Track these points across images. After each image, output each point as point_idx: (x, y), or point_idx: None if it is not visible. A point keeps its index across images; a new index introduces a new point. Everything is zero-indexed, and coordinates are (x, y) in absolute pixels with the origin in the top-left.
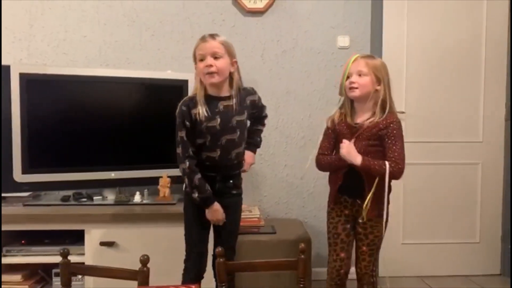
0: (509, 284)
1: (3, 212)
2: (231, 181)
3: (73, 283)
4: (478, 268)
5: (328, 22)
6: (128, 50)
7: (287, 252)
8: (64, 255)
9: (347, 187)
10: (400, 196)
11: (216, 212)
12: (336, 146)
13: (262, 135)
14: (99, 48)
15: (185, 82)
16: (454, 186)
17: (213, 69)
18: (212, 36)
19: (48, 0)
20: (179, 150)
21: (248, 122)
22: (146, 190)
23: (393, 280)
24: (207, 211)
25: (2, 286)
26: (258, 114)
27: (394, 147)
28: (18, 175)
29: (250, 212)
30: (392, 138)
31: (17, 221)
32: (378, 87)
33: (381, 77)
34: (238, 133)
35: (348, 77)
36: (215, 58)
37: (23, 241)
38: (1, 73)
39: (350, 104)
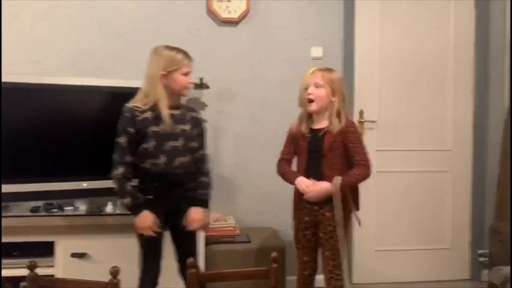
0: None
1: None
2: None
3: None
4: (449, 273)
5: (302, 33)
6: (101, 59)
7: (262, 261)
8: (32, 267)
9: (304, 199)
10: (373, 204)
11: (146, 218)
12: (295, 151)
13: (236, 145)
14: (72, 56)
15: None
16: (425, 194)
17: (191, 86)
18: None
19: (21, 8)
20: (115, 155)
21: (195, 143)
22: (118, 201)
23: (366, 287)
24: (136, 218)
25: None
26: (199, 149)
27: (359, 150)
28: None
29: (225, 221)
30: (355, 141)
31: None
32: (333, 99)
33: (336, 89)
34: (182, 141)
35: (305, 88)
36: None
37: None
38: None
39: (307, 113)
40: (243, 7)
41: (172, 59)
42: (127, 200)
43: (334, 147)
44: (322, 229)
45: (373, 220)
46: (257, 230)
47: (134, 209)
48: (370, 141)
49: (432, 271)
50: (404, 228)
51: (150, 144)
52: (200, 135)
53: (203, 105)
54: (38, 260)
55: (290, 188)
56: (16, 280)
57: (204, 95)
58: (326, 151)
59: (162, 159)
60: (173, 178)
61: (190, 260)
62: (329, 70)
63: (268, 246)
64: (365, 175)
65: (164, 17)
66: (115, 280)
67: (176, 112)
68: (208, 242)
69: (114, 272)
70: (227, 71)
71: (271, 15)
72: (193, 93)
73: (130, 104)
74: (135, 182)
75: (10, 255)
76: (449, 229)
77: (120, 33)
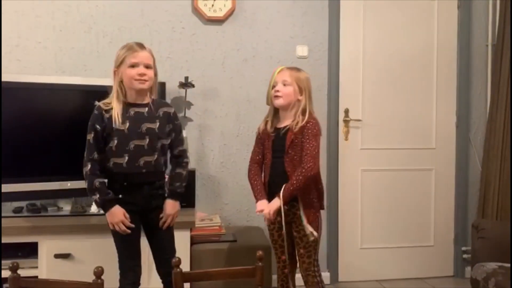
0: (462, 285)
1: None
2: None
3: None
4: (433, 270)
5: (287, 32)
6: (85, 57)
7: (248, 260)
8: (13, 269)
9: (272, 193)
10: (358, 202)
11: (116, 213)
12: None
13: (220, 145)
14: (54, 54)
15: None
16: (409, 192)
17: (145, 77)
18: (142, 46)
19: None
20: (85, 153)
21: (166, 140)
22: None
23: (352, 285)
24: (107, 214)
25: None
26: (173, 143)
27: (307, 146)
28: None
29: (211, 221)
30: (307, 137)
31: None
32: (300, 97)
33: (303, 87)
34: (147, 140)
35: (273, 86)
36: (147, 67)
37: None
38: None
39: (273, 113)
40: (228, 5)
41: (117, 55)
42: (96, 197)
43: (294, 144)
44: (294, 227)
45: (358, 218)
46: (243, 229)
47: (104, 205)
48: (355, 140)
49: (416, 268)
50: (388, 225)
51: (113, 143)
52: (174, 131)
53: (189, 104)
54: (21, 261)
55: None
56: None
57: (189, 94)
58: (288, 148)
59: (125, 159)
60: (138, 177)
61: (175, 259)
62: (297, 69)
63: (254, 245)
64: (306, 173)
65: (149, 15)
66: (99, 281)
67: (142, 109)
68: (194, 241)
69: (98, 273)
70: (212, 69)
71: (257, 14)
72: (178, 92)
73: (101, 102)
74: (104, 179)
75: None
76: (433, 227)
77: (104, 31)
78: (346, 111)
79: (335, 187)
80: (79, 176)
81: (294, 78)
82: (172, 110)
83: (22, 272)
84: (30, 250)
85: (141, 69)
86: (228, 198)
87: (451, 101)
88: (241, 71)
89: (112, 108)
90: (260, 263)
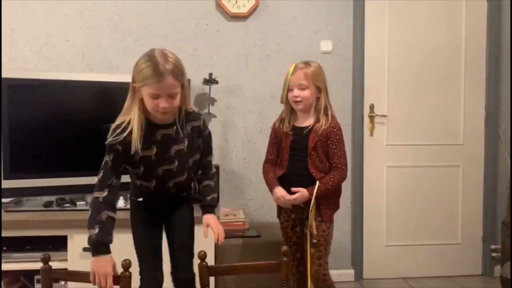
0: (490, 285)
1: None
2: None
3: None
4: (460, 269)
5: (311, 27)
6: (111, 54)
7: (272, 255)
8: (45, 261)
9: (289, 192)
10: (383, 199)
11: (105, 264)
12: (279, 150)
13: (242, 141)
14: (82, 52)
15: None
16: (436, 188)
17: (168, 109)
18: (165, 71)
19: (30, 4)
20: (99, 175)
21: (196, 155)
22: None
23: (376, 282)
24: (93, 259)
25: None
26: (203, 157)
27: (338, 152)
28: None
29: (234, 216)
30: (336, 143)
31: None
32: (319, 95)
33: (320, 85)
34: (177, 163)
35: (290, 89)
36: (170, 96)
37: (4, 248)
38: None
39: (289, 111)
40: (252, 1)
41: (139, 70)
42: (94, 232)
43: (318, 146)
44: (307, 228)
45: (383, 215)
46: (266, 224)
47: (97, 247)
48: (381, 136)
49: (443, 267)
50: (414, 223)
51: (139, 170)
52: (204, 144)
53: (212, 100)
54: (51, 254)
55: None
56: (30, 273)
57: (213, 90)
58: (311, 150)
59: (153, 183)
60: (167, 195)
61: (200, 252)
62: (308, 65)
63: (278, 241)
64: (341, 179)
65: (173, 12)
66: (127, 273)
67: (169, 131)
68: None
69: (126, 265)
70: (236, 66)
71: (280, 9)
72: (202, 88)
73: (115, 124)
74: (115, 213)
75: (23, 249)
76: (461, 224)
77: (130, 29)
78: (371, 107)
79: (360, 183)
80: None
81: (310, 79)
82: (201, 123)
83: (52, 265)
84: (60, 243)
85: (162, 103)
86: (252, 193)
87: (480, 96)
88: (264, 67)
89: (130, 131)
90: (285, 258)
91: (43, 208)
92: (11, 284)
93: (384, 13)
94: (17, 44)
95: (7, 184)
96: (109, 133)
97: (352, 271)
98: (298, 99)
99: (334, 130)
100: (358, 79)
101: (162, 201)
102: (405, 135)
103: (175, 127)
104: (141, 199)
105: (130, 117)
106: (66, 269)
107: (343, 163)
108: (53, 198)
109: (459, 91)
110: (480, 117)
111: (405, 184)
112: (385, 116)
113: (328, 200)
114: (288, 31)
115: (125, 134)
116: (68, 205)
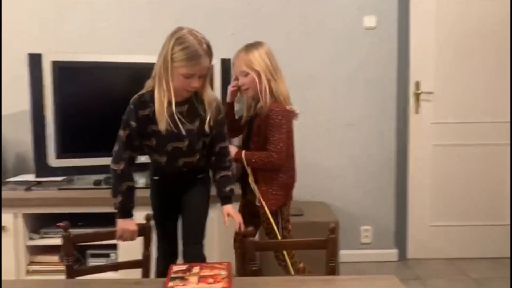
0: None
1: (40, 195)
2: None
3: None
4: (507, 250)
5: (354, 2)
6: (153, 37)
7: (315, 234)
8: (65, 228)
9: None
10: (428, 178)
11: (129, 224)
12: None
13: None
14: (125, 35)
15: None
16: (484, 168)
17: (196, 88)
18: (206, 51)
19: None
20: (116, 148)
21: (208, 137)
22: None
23: (420, 262)
24: (120, 220)
25: (43, 266)
26: (214, 139)
27: (271, 138)
28: (52, 160)
29: None
30: (271, 128)
31: (52, 204)
32: (259, 78)
33: (259, 69)
34: (187, 142)
35: (236, 78)
36: (200, 76)
37: (59, 224)
38: (32, 61)
39: (251, 99)
40: None
41: (175, 51)
42: (117, 200)
43: (261, 131)
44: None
45: (428, 194)
46: (308, 203)
47: (123, 211)
48: (426, 113)
49: (490, 248)
50: (461, 203)
51: (151, 141)
52: (215, 126)
53: None
54: (101, 230)
55: (341, 163)
56: (82, 248)
57: None
58: (254, 135)
59: (163, 159)
60: (179, 173)
61: (248, 228)
62: (247, 50)
63: (322, 219)
64: (268, 162)
65: None
66: (150, 223)
67: (182, 108)
68: None
69: (148, 218)
70: (275, 44)
71: None
72: None
73: (137, 95)
74: (134, 182)
75: (75, 225)
76: (509, 205)
77: (171, 11)
78: (417, 84)
79: (404, 162)
80: None
81: (247, 65)
82: (214, 104)
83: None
84: (110, 220)
85: (194, 82)
86: None
87: None
88: (304, 46)
89: (149, 104)
90: (332, 235)
91: (93, 186)
92: (67, 256)
93: None
94: (63, 28)
95: (59, 163)
96: (128, 107)
97: (395, 251)
98: (245, 86)
99: (270, 114)
100: (402, 56)
101: (176, 180)
102: (452, 112)
103: (187, 105)
104: (157, 177)
105: (148, 88)
106: (115, 246)
107: (274, 149)
108: (101, 176)
109: (507, 67)
110: None
111: (451, 163)
112: (431, 93)
113: (268, 191)
114: (330, 7)
115: (138, 108)
116: None
